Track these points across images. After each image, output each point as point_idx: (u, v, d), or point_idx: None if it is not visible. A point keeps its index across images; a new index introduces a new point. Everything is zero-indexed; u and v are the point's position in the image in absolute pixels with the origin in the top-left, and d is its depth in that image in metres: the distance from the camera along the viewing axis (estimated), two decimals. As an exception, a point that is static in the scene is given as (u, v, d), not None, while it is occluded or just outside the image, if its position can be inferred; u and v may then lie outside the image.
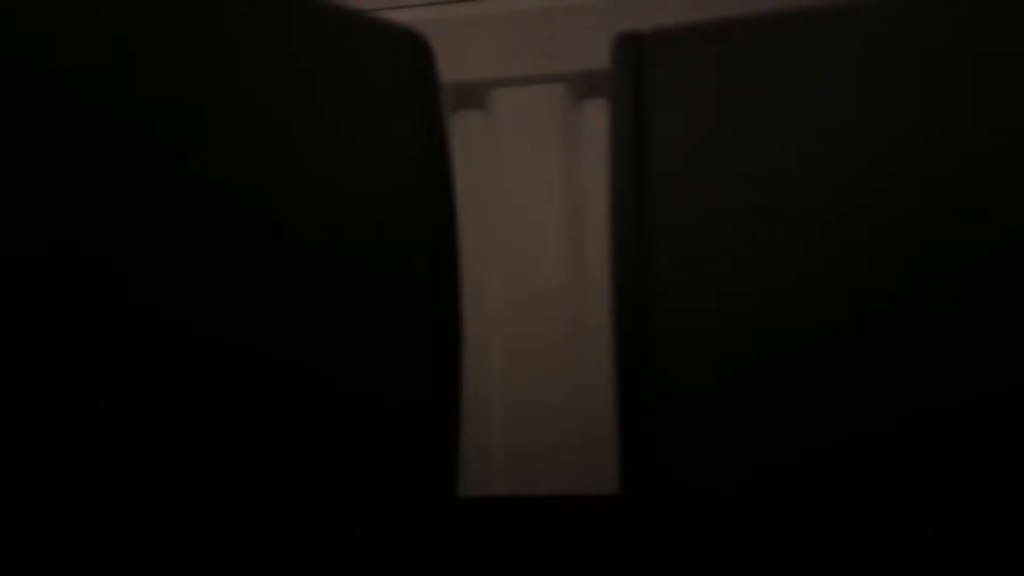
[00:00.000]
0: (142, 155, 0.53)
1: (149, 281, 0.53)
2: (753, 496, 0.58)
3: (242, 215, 0.57)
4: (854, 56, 0.60)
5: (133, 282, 0.52)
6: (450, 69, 0.73)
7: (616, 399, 0.62)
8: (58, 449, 0.50)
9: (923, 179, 0.57)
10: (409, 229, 0.65)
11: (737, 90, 0.62)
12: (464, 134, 0.91)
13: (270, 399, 0.57)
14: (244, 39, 0.59)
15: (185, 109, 0.56)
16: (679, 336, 0.61)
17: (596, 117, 0.88)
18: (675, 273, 0.61)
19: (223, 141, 0.57)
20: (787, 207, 0.59)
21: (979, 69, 0.57)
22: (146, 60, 0.54)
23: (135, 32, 0.54)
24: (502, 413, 0.87)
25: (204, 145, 0.56)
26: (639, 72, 0.64)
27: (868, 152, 0.58)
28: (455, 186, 0.69)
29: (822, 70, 0.60)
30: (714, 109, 0.62)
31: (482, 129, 0.91)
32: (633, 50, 0.64)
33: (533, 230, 0.89)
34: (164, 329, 0.53)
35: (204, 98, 0.56)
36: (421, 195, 0.66)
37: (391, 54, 0.67)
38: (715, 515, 0.59)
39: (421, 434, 0.64)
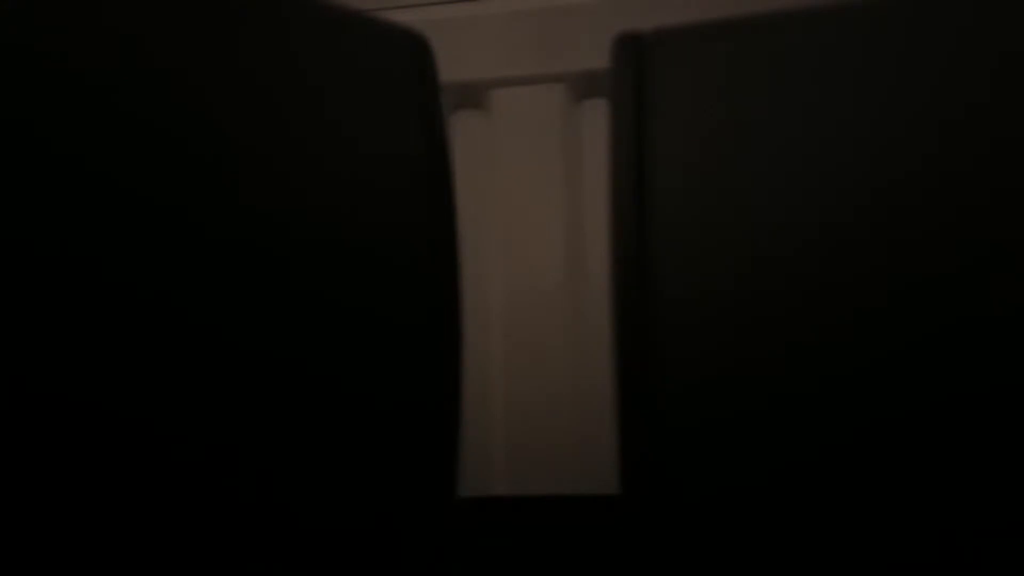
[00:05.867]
0: (142, 155, 0.53)
1: (149, 280, 0.53)
2: (752, 496, 0.58)
3: (240, 214, 0.57)
4: (854, 56, 0.60)
5: (133, 280, 0.52)
6: (450, 69, 0.73)
7: (616, 399, 0.62)
8: (63, 450, 0.50)
9: (925, 179, 0.57)
10: (409, 229, 0.65)
11: (737, 90, 0.62)
12: (464, 134, 0.91)
13: (270, 399, 0.57)
14: (244, 39, 0.59)
15: (185, 108, 0.56)
16: (679, 336, 0.61)
17: (596, 117, 0.88)
18: (675, 273, 0.61)
19: (223, 140, 0.57)
20: (787, 207, 0.59)
21: (981, 69, 0.57)
22: (146, 60, 0.54)
23: (136, 33, 0.54)
24: (502, 413, 0.87)
25: (203, 144, 0.56)
26: (639, 72, 0.64)
27: (868, 151, 0.58)
28: (455, 186, 0.69)
29: (822, 70, 0.60)
30: (714, 109, 0.62)
31: (482, 129, 0.91)
32: (633, 50, 0.64)
33: (533, 230, 0.89)
34: (166, 328, 0.53)
35: (204, 97, 0.56)
36: (421, 195, 0.66)
37: (391, 54, 0.67)
38: (714, 515, 0.59)
39: (421, 434, 0.64)
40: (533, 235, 0.89)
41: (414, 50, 0.68)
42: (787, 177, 0.60)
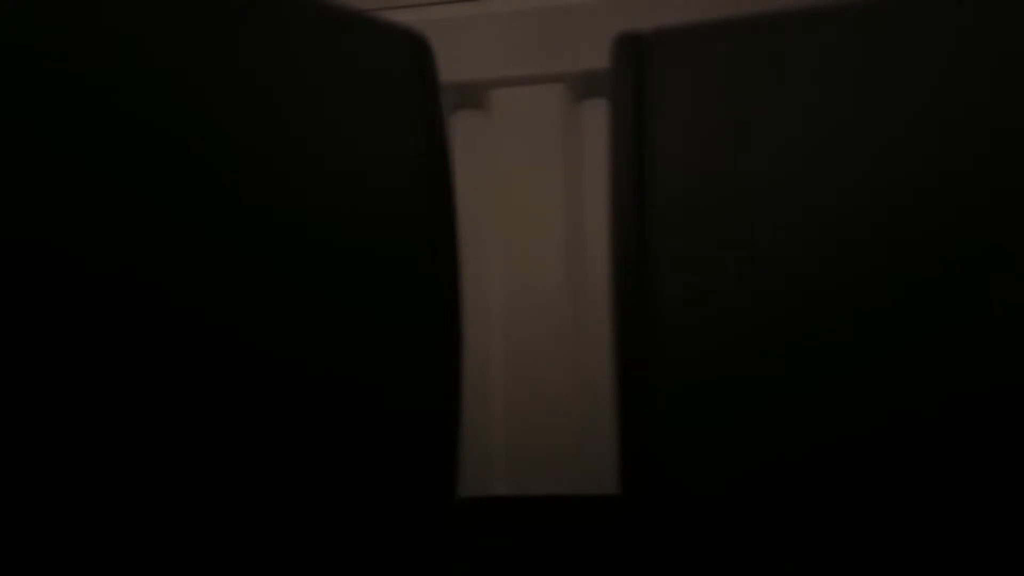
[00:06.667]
0: (143, 155, 0.53)
1: (149, 280, 0.53)
2: (753, 496, 0.58)
3: (240, 214, 0.57)
4: (854, 56, 0.60)
5: (134, 280, 0.52)
6: (450, 69, 0.73)
7: (616, 399, 0.62)
8: (63, 450, 0.50)
9: (925, 179, 0.57)
10: (409, 229, 0.65)
11: (737, 90, 0.62)
12: (464, 134, 0.91)
13: (270, 399, 0.57)
14: (244, 39, 0.59)
15: (185, 108, 0.56)
16: (679, 336, 0.61)
17: (596, 117, 0.88)
18: (675, 273, 0.61)
19: (223, 140, 0.57)
20: (787, 207, 0.59)
21: (981, 69, 0.57)
22: (146, 60, 0.54)
23: (136, 33, 0.54)
24: (502, 413, 0.87)
25: (204, 144, 0.56)
26: (639, 72, 0.64)
27: (868, 151, 0.58)
28: (455, 186, 0.69)
29: (822, 70, 0.60)
30: (714, 109, 0.62)
31: (482, 129, 0.91)
32: (633, 50, 0.64)
33: (533, 230, 0.89)
34: (166, 327, 0.53)
35: (204, 97, 0.57)
36: (421, 195, 0.66)
37: (391, 54, 0.67)
38: (715, 515, 0.59)
39: (421, 434, 0.64)
40: (533, 235, 0.89)
41: (414, 50, 0.68)
42: (787, 177, 0.60)
